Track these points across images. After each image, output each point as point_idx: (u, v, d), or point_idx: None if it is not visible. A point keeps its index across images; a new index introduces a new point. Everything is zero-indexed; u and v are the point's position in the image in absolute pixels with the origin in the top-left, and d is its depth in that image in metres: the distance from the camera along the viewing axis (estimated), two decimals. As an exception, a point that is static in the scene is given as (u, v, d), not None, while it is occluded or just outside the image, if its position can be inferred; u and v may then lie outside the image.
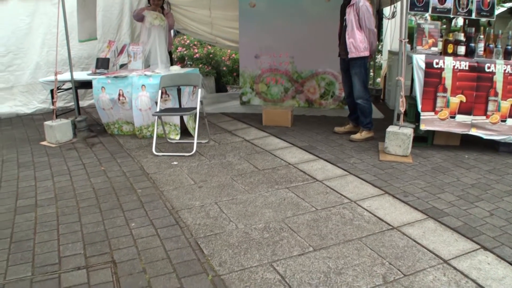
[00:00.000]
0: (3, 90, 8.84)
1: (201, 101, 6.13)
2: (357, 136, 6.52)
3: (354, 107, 6.64)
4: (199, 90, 6.22)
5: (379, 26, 9.45)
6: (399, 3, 8.75)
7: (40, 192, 5.01)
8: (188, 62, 11.60)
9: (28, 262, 3.60)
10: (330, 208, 4.35)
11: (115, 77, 6.72)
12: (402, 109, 5.74)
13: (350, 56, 6.27)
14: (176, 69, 7.02)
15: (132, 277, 3.31)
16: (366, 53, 6.27)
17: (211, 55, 11.71)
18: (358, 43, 6.17)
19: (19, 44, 8.81)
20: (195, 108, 6.09)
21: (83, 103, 9.19)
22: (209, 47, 12.09)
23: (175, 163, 5.69)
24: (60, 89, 7.41)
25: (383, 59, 10.65)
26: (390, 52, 9.15)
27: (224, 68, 11.72)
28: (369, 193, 4.71)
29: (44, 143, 6.87)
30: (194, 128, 6.39)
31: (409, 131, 5.73)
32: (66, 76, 7.24)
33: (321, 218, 4.14)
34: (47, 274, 3.41)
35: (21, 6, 8.74)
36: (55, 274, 3.40)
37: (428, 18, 9.35)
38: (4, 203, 4.79)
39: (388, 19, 9.25)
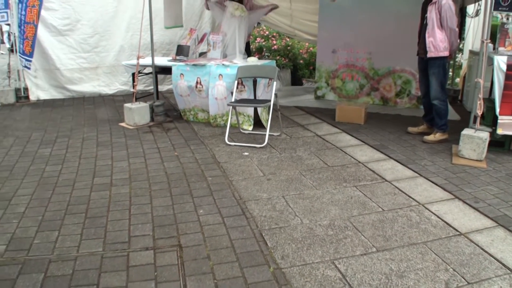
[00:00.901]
0: (89, 70, 9.28)
1: (275, 94, 6.17)
2: (430, 137, 6.39)
3: (430, 108, 6.50)
4: (275, 82, 6.27)
5: (462, 24, 9.18)
6: (483, 1, 8.49)
7: (115, 172, 5.24)
8: (266, 54, 11.67)
9: (100, 238, 3.79)
10: (397, 209, 4.31)
11: (194, 65, 6.88)
12: (479, 112, 5.58)
13: (429, 55, 6.13)
14: (253, 60, 7.10)
15: (196, 262, 3.42)
16: (446, 53, 6.12)
17: (289, 47, 11.73)
18: (438, 42, 6.04)
19: (106, 26, 9.21)
20: (270, 101, 6.15)
21: (161, 88, 9.46)
22: (287, 39, 12.11)
23: (246, 153, 5.78)
24: (141, 73, 7.66)
25: (463, 59, 10.33)
26: (471, 52, 8.87)
27: (301, 61, 11.71)
28: (438, 196, 4.62)
29: (122, 124, 7.15)
30: (267, 120, 6.46)
31: (485, 135, 5.57)
32: (147, 60, 7.48)
33: (387, 219, 4.11)
34: (117, 251, 3.59)
35: (110, -10, 9.12)
36: (124, 252, 3.56)
37: (512, 16, 9.02)
38: (82, 179, 5.05)
39: (472, 17, 8.96)
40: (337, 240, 3.74)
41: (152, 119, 7.21)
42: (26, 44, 8.59)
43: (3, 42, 18.68)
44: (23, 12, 8.43)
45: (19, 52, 8.71)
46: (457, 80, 10.29)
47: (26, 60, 8.72)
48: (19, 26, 8.57)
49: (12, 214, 4.28)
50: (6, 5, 8.44)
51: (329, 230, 3.90)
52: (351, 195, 4.62)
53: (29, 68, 8.80)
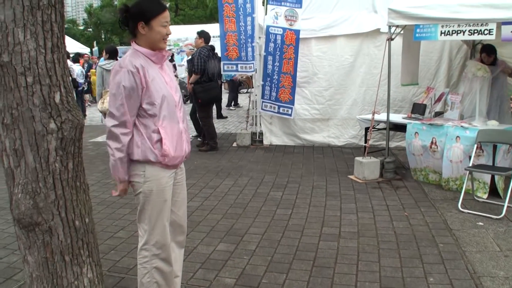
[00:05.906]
0: (321, 121, 9.65)
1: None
2: None
3: None
4: (518, 150, 5.85)
5: None
6: None
7: (344, 224, 5.32)
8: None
9: (326, 289, 3.85)
10: None
11: (430, 124, 6.74)
12: None
13: None
14: (494, 124, 6.71)
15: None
16: None
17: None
18: None
19: (341, 80, 9.52)
20: (511, 169, 5.73)
21: (390, 144, 9.40)
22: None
23: (481, 223, 5.40)
24: (375, 128, 7.73)
25: None
26: None
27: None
28: None
29: (351, 176, 7.25)
30: (503, 190, 6.01)
31: None
32: (381, 116, 7.52)
33: None
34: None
35: (347, 45, 9.49)
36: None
37: None
38: (311, 226, 5.23)
39: None
40: None
41: (381, 175, 7.18)
42: (282, 92, 9.49)
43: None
44: (276, 63, 9.39)
45: (269, 99, 9.60)
46: None
47: (285, 107, 9.58)
48: (269, 76, 9.47)
49: (244, 250, 4.60)
50: (254, 57, 9.40)
51: None
52: None
53: (290, 115, 9.60)
